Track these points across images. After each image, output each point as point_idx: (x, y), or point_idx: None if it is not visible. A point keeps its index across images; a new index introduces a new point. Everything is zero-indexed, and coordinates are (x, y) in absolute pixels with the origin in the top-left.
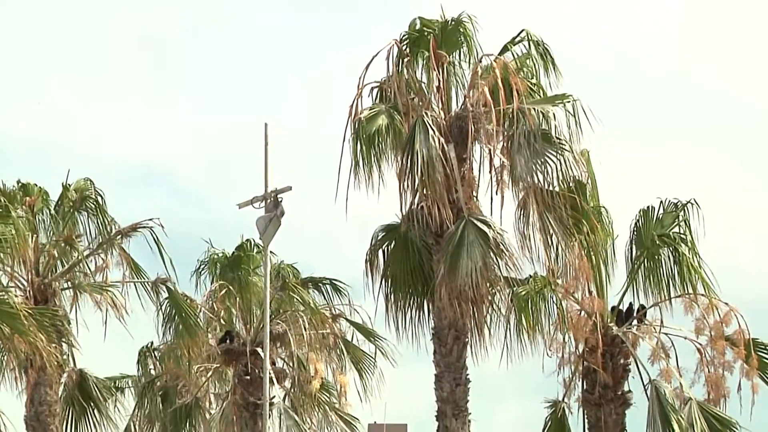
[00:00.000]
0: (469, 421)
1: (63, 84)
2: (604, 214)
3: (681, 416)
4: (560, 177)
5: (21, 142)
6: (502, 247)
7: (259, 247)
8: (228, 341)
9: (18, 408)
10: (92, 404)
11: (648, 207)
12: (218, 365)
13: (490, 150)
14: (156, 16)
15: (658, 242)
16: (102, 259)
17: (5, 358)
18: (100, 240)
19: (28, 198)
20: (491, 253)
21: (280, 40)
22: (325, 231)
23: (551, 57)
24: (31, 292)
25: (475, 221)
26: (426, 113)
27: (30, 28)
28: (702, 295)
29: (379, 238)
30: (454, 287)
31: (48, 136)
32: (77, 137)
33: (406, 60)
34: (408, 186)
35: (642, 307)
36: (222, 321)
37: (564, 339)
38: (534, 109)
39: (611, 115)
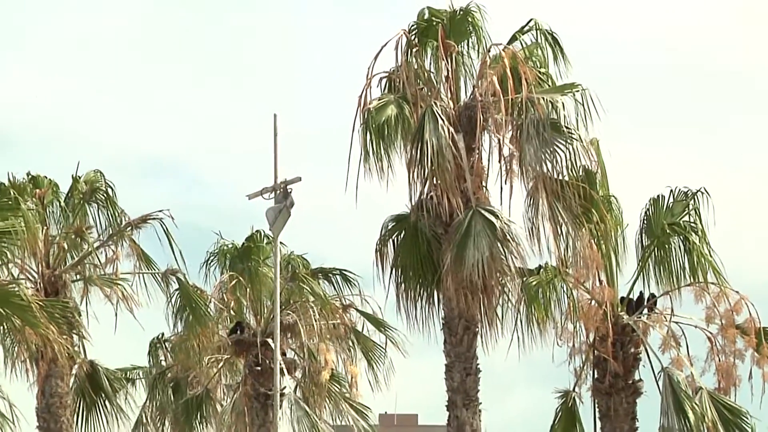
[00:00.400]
0: (480, 410)
1: (72, 76)
2: (614, 203)
3: (695, 404)
4: (569, 166)
5: (30, 134)
6: (509, 237)
7: (269, 238)
8: (238, 332)
9: (29, 400)
10: (103, 396)
11: (658, 196)
12: (229, 356)
13: (499, 139)
14: (164, 9)
15: (668, 231)
16: (112, 250)
17: (16, 350)
18: (110, 232)
19: (38, 190)
20: (498, 244)
21: (289, 32)
22: (334, 222)
23: (560, 46)
24: (42, 285)
25: (483, 211)
26: (435, 103)
27: (39, 18)
28: (712, 283)
29: (388, 228)
30: (461, 277)
31: (57, 129)
32: (87, 130)
33: (414, 50)
34: (417, 176)
35: (652, 296)
36: (232, 312)
37: (575, 328)
38: (543, 98)
39: (620, 104)
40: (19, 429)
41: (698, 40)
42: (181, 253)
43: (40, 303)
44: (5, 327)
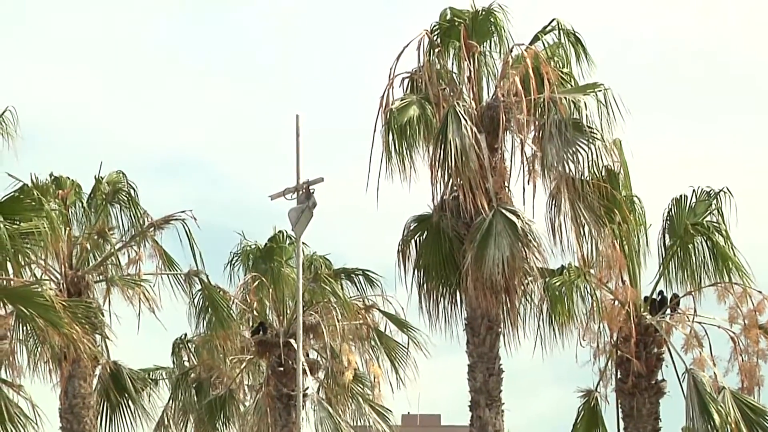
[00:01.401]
0: (503, 411)
1: (93, 77)
2: (637, 203)
3: (720, 406)
4: (592, 166)
5: (53, 135)
6: (530, 237)
7: (291, 239)
8: (261, 332)
9: (53, 400)
10: (126, 396)
11: (681, 196)
12: (252, 357)
13: (521, 139)
14: (183, 8)
15: (691, 231)
16: (135, 251)
17: (39, 350)
18: (133, 232)
19: (60, 191)
20: (519, 244)
21: (313, 30)
22: (357, 222)
23: (582, 46)
24: (65, 285)
25: (504, 211)
26: (457, 103)
27: (60, 18)
28: (735, 283)
29: (411, 228)
30: (481, 277)
31: (80, 129)
32: (109, 130)
33: (436, 50)
34: (440, 176)
35: (675, 296)
36: (255, 312)
37: (598, 329)
38: (565, 98)
39: (644, 104)
40: (43, 430)
41: (722, 40)
42: (201, 254)
43: (63, 303)
44: (28, 327)
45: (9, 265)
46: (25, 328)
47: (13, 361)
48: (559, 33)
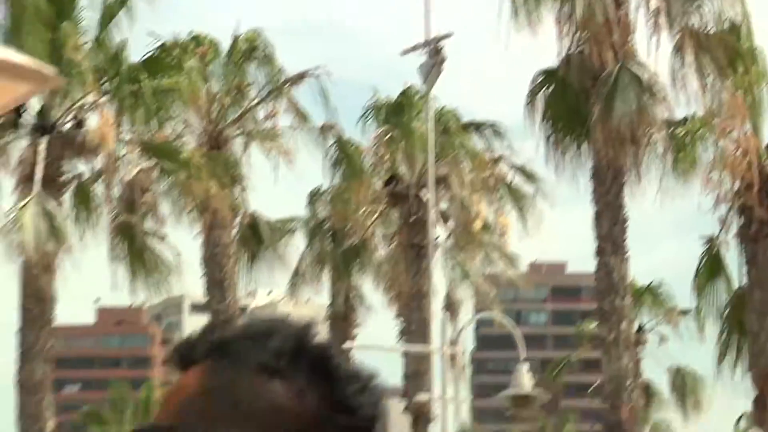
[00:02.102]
0: (627, 258)
1: None
2: (759, 54)
3: None
4: (715, 18)
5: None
6: (655, 89)
7: (421, 93)
8: (393, 184)
9: (195, 249)
10: (264, 245)
11: None
12: (384, 207)
13: None
14: None
15: None
16: (272, 106)
17: (182, 202)
18: (270, 88)
19: (200, 48)
20: (645, 95)
21: None
22: (485, 75)
23: None
24: (206, 139)
25: (630, 64)
26: None
27: None
28: None
29: (538, 81)
30: (609, 128)
31: None
32: None
33: None
34: (567, 30)
35: None
36: (387, 165)
37: (720, 177)
38: None
39: None
40: (185, 277)
41: None
42: (335, 109)
43: (204, 157)
44: (170, 180)
45: (152, 120)
46: (167, 180)
47: (157, 212)
48: None
